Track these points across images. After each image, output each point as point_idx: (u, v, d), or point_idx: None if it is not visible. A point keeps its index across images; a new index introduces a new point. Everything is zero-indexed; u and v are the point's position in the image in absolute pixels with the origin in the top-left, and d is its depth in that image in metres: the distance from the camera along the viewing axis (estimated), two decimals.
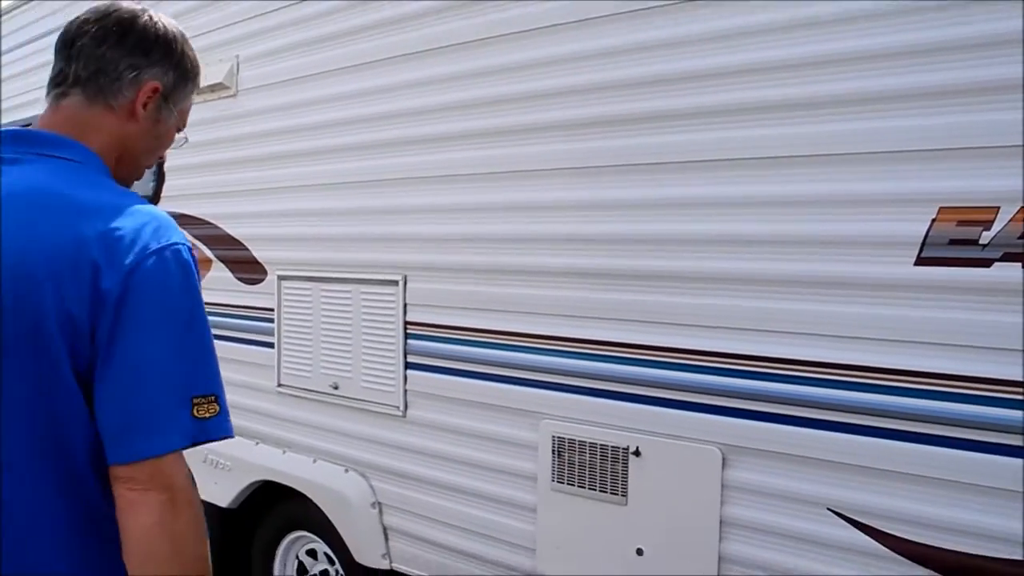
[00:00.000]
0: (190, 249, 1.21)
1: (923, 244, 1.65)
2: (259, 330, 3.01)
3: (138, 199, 1.23)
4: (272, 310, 2.94)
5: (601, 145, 2.07)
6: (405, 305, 2.52)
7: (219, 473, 3.15)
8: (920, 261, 1.66)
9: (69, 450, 1.14)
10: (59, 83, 1.27)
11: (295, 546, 3.07)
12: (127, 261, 1.12)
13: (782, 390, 1.85)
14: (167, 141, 1.37)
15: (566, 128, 2.13)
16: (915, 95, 1.64)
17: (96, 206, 1.16)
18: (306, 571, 3.07)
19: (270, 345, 2.96)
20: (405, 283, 2.52)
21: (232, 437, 1.22)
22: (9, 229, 1.13)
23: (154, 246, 1.15)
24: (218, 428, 1.18)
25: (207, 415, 1.17)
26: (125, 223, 1.15)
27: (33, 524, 1.15)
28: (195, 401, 1.15)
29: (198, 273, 1.22)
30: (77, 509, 1.16)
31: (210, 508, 3.24)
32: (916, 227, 1.65)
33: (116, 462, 1.11)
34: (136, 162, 1.34)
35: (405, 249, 2.52)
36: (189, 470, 1.19)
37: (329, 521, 2.76)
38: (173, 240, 1.18)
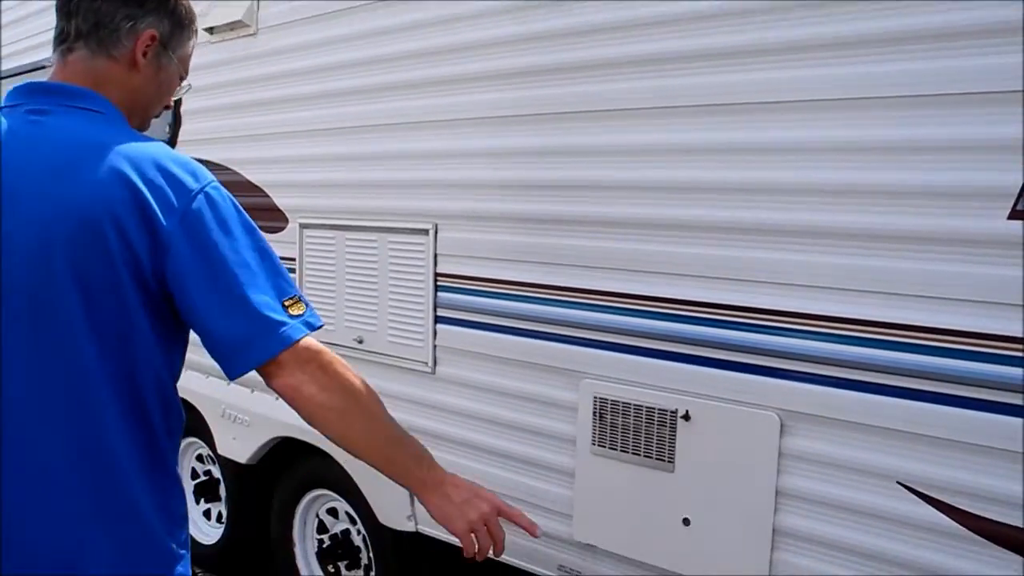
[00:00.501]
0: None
1: (1019, 197, 1.48)
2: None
3: (166, 146, 1.30)
4: (293, 260, 2.80)
5: (683, 83, 1.90)
6: (435, 255, 2.37)
7: (237, 428, 3.05)
8: (1015, 214, 1.50)
9: (141, 390, 1.26)
10: (63, 40, 1.32)
11: (315, 504, 2.97)
12: (180, 202, 1.21)
13: (851, 353, 1.70)
14: (171, 89, 1.43)
15: (640, 64, 1.96)
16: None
17: (135, 154, 1.23)
18: (326, 530, 2.97)
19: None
20: (436, 232, 2.37)
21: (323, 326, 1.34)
22: (63, 175, 1.20)
23: (199, 185, 1.24)
24: (315, 317, 1.32)
25: (300, 312, 1.29)
26: (167, 167, 1.23)
27: (111, 459, 1.25)
28: (286, 304, 1.27)
29: None
30: (143, 443, 1.28)
31: (228, 464, 3.14)
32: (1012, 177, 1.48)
33: (260, 363, 1.24)
34: (145, 112, 1.40)
35: (436, 196, 2.37)
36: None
37: (352, 480, 2.65)
38: (211, 178, 1.29)
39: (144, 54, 1.32)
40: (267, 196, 2.91)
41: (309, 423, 1.30)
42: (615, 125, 1.97)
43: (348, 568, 2.91)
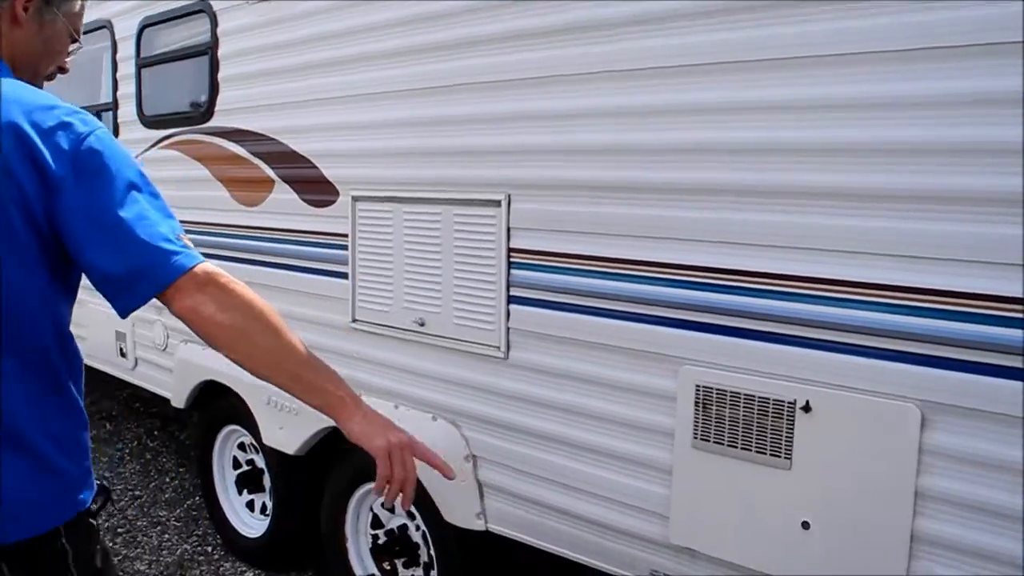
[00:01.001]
0: None
1: None
2: (330, 258, 2.67)
3: (50, 95, 1.30)
4: (345, 236, 2.59)
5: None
6: (508, 229, 2.15)
7: (284, 417, 2.86)
8: None
9: (37, 329, 1.29)
10: None
11: (369, 498, 2.78)
12: (70, 146, 1.24)
13: (1009, 336, 1.47)
14: (59, 47, 1.42)
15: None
16: None
17: (22, 101, 1.25)
18: (381, 525, 2.79)
19: (343, 275, 2.62)
20: (509, 203, 2.15)
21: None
22: None
23: (87, 130, 1.26)
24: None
25: (191, 246, 1.30)
26: (55, 114, 1.25)
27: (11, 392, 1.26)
28: (179, 236, 1.29)
29: None
30: (41, 378, 1.31)
31: (274, 454, 2.96)
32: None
33: (160, 289, 1.26)
34: (33, 68, 1.39)
35: (509, 163, 2.14)
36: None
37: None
38: (99, 124, 1.30)
39: (25, 9, 1.33)
40: (314, 167, 2.70)
41: (213, 345, 1.28)
42: (732, 80, 1.74)
43: (406, 566, 2.72)
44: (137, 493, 3.98)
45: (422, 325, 2.39)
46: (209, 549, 3.42)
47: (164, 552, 3.41)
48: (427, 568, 2.67)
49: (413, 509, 2.61)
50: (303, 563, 3.23)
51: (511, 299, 2.17)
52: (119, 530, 3.59)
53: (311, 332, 2.74)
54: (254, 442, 3.25)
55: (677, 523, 1.91)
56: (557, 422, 2.11)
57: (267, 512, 3.26)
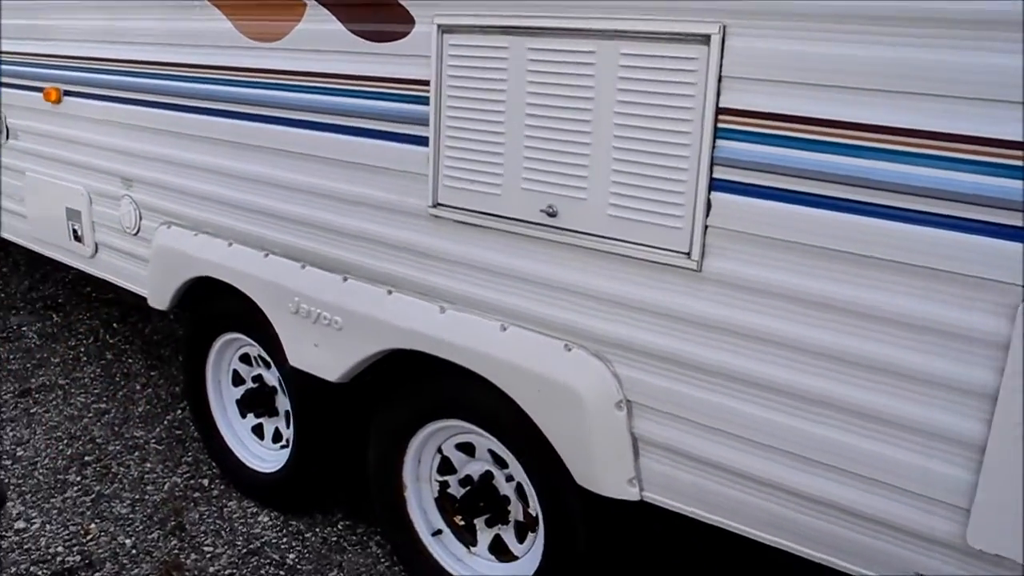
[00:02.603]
0: None
1: None
2: (397, 115, 1.89)
3: None
4: (424, 85, 1.81)
5: None
6: (720, 79, 1.42)
7: (322, 332, 2.14)
8: None
9: None
10: None
11: (437, 437, 2.13)
12: None
13: None
14: None
15: None
16: None
17: None
18: (452, 470, 2.15)
19: (419, 141, 1.85)
20: (724, 39, 1.41)
21: None
22: None
23: None
24: None
25: None
26: None
27: None
28: None
29: None
30: None
31: (297, 376, 2.25)
32: None
33: None
34: None
35: None
36: None
37: (518, 418, 1.80)
38: None
39: None
40: None
41: None
42: None
43: (489, 523, 2.11)
44: (103, 406, 3.23)
45: (553, 215, 1.67)
46: (205, 482, 2.75)
47: (149, 488, 2.72)
48: (522, 528, 2.06)
49: (506, 455, 1.96)
50: (328, 504, 2.60)
51: (714, 184, 1.47)
52: (87, 459, 2.87)
53: (363, 218, 2.00)
54: (263, 354, 2.53)
55: (982, 520, 1.31)
56: (786, 366, 1.46)
57: (282, 442, 2.58)
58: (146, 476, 2.78)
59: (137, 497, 2.66)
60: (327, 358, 2.16)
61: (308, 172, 2.10)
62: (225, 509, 2.62)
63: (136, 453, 2.91)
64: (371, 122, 1.94)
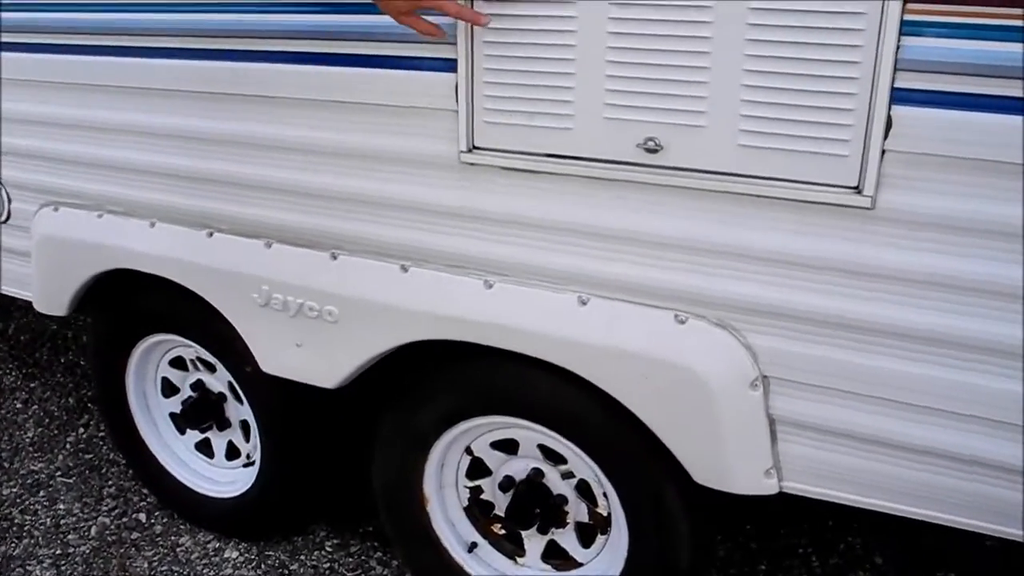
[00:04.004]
0: None
1: None
2: (404, 33, 1.41)
3: None
4: None
5: None
6: None
7: (308, 328, 1.66)
8: None
9: None
10: None
11: (468, 436, 1.73)
12: None
13: None
14: None
15: None
16: None
17: None
18: (486, 471, 1.76)
19: (440, 65, 1.39)
20: None
21: None
22: None
23: None
24: None
25: None
26: None
27: None
28: None
29: None
30: None
31: (284, 388, 1.78)
32: None
33: None
34: None
35: None
36: None
37: (596, 409, 1.44)
38: None
39: None
40: None
41: None
42: None
43: (541, 529, 1.75)
44: None
45: (655, 151, 1.27)
46: (142, 518, 2.22)
47: (71, 537, 2.15)
48: (586, 531, 1.72)
49: (569, 451, 1.60)
50: (304, 523, 2.15)
51: (896, 95, 1.12)
52: None
53: (362, 176, 1.53)
54: (204, 356, 2.01)
55: None
56: (971, 314, 1.17)
57: (241, 459, 2.09)
58: (63, 522, 2.21)
59: (59, 552, 2.10)
60: (317, 360, 1.69)
61: (274, 119, 1.58)
62: (178, 549, 2.11)
63: (41, 493, 2.31)
64: (365, 45, 1.45)
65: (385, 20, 1.33)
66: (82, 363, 2.94)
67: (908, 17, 1.09)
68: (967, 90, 1.09)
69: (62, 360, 2.98)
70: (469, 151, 1.41)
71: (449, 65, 1.38)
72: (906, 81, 1.11)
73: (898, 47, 1.10)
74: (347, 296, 1.61)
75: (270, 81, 1.56)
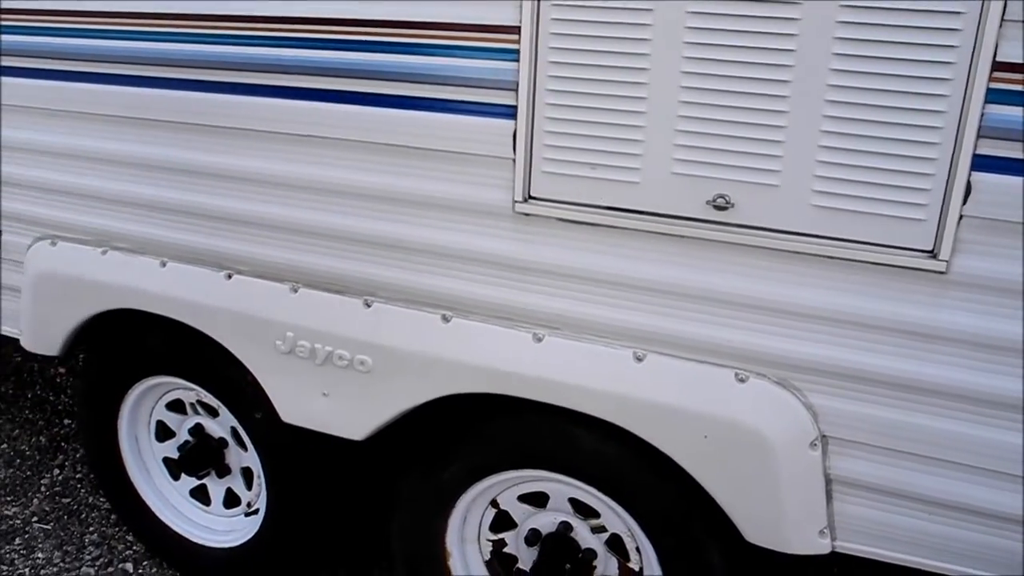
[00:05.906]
0: None
1: None
2: (463, 77, 1.36)
3: None
4: (513, 33, 1.31)
5: None
6: (999, 27, 1.08)
7: (337, 377, 1.59)
8: None
9: None
10: None
11: (495, 489, 1.67)
12: None
13: None
14: None
15: None
16: None
17: None
18: (510, 523, 1.71)
19: (499, 112, 1.35)
20: None
21: None
22: None
23: None
24: None
25: None
26: None
27: None
28: None
29: None
30: None
31: (270, 423, 1.71)
32: None
33: None
34: None
35: None
36: None
37: (642, 465, 1.41)
38: None
39: None
40: None
41: None
42: None
43: None
44: None
45: (725, 208, 1.26)
46: (129, 568, 2.09)
47: None
48: None
49: (605, 506, 1.56)
50: (313, 567, 2.06)
51: (977, 161, 1.13)
52: None
53: (405, 222, 1.48)
54: (206, 400, 1.92)
55: None
56: None
57: (241, 507, 1.99)
58: (43, 572, 2.07)
59: None
60: (345, 411, 1.62)
61: (315, 160, 1.52)
62: None
63: (17, 541, 2.17)
64: (419, 87, 1.40)
65: (440, 62, 1.29)
66: (51, 398, 2.79)
67: (993, 85, 1.10)
68: None
69: (29, 395, 2.82)
70: (524, 201, 1.38)
71: (508, 111, 1.34)
72: (988, 148, 1.12)
73: (982, 114, 1.11)
74: (382, 345, 1.55)
75: (314, 120, 1.50)
